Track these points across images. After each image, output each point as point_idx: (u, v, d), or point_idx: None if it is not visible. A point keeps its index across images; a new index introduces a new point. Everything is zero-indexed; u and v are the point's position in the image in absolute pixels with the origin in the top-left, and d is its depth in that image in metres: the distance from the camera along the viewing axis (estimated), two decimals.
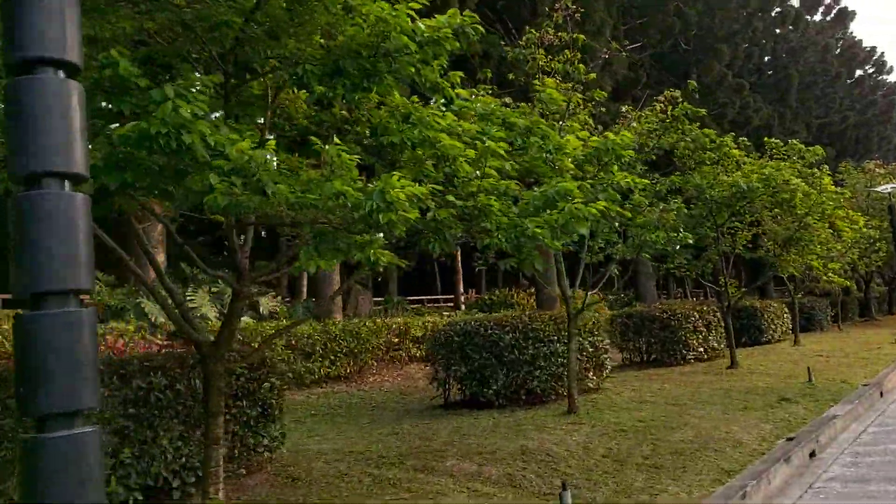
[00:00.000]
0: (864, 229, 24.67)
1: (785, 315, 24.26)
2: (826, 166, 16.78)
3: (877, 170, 31.87)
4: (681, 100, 10.19)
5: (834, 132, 55.56)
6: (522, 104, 8.15)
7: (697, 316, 17.60)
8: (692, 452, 8.17)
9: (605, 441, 8.69)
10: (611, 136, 6.71)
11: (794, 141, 16.12)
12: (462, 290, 26.73)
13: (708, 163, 16.16)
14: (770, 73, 45.63)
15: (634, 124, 10.48)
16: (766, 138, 16.40)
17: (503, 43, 14.94)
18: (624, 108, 10.65)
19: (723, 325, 18.52)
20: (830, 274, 19.30)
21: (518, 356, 11.48)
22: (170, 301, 5.92)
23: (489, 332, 11.67)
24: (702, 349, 17.58)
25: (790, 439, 8.84)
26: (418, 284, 35.84)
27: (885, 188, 30.55)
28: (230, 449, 7.35)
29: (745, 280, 30.25)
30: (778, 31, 45.29)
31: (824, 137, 53.56)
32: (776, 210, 15.08)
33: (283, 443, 7.92)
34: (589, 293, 10.83)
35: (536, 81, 8.05)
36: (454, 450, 8.40)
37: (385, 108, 5.52)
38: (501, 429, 9.64)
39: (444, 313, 24.86)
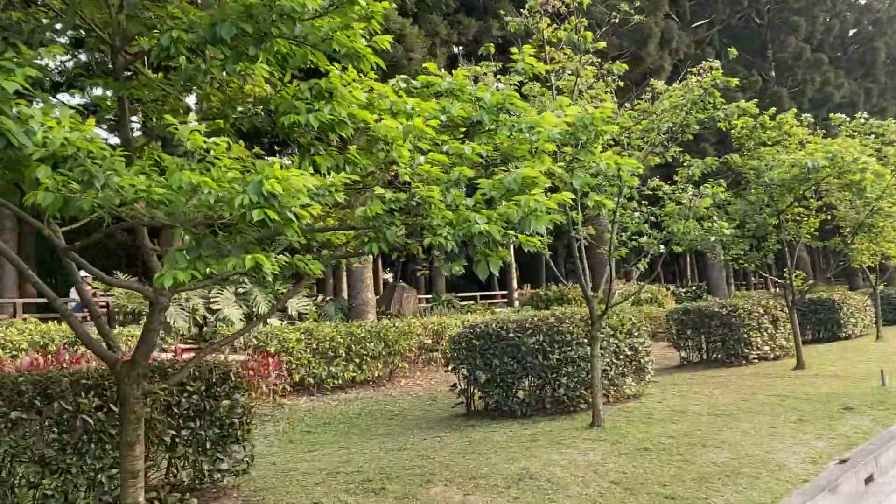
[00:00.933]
0: None
1: (868, 307, 22.28)
2: None
3: None
4: (717, 69, 8.86)
5: None
6: (502, 76, 7.13)
7: (762, 311, 16.10)
8: (721, 478, 7.00)
9: (622, 463, 7.59)
10: (590, 109, 5.59)
11: (862, 115, 14.40)
12: (516, 285, 25.59)
13: (769, 143, 14.69)
14: (854, 46, 42.64)
15: (666, 102, 9.26)
16: (831, 114, 14.74)
17: (503, 13, 13.75)
18: (653, 82, 9.42)
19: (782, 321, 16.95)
20: None
21: (542, 361, 10.44)
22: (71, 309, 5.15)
23: (511, 334, 10.67)
24: (767, 348, 16.07)
25: (843, 461, 7.55)
26: (471, 281, 34.80)
27: None
28: (181, 476, 6.63)
29: (825, 271, 28.05)
30: (862, 1, 42.27)
31: None
32: (846, 193, 13.48)
33: (252, 465, 7.12)
34: (617, 292, 9.71)
35: (514, 49, 6.97)
36: (448, 472, 7.46)
37: (297, 82, 4.60)
38: (513, 445, 8.64)
39: (497, 310, 23.88)
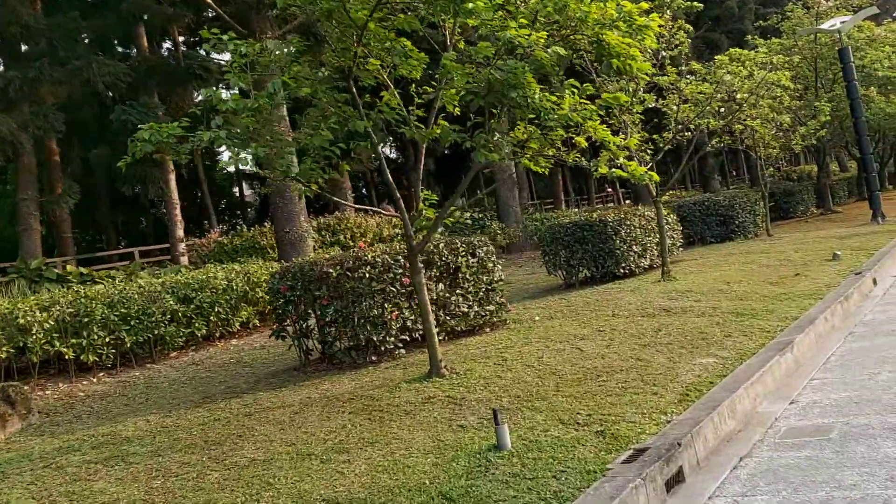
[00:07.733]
0: (782, 80, 15.97)
1: (674, 228, 15.68)
2: None
3: (823, 2, 22.74)
4: None
5: None
6: None
7: (394, 262, 8.87)
8: None
9: None
10: None
11: None
12: (181, 234, 17.01)
13: None
14: None
15: None
16: None
17: None
18: None
19: (494, 270, 9.94)
20: (623, 160, 9.56)
21: None
22: None
23: None
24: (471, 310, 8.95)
25: None
26: (114, 231, 25.50)
27: (832, 24, 21.58)
28: None
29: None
30: None
31: None
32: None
33: None
34: None
35: None
36: None
37: None
38: None
39: (146, 273, 15.95)
